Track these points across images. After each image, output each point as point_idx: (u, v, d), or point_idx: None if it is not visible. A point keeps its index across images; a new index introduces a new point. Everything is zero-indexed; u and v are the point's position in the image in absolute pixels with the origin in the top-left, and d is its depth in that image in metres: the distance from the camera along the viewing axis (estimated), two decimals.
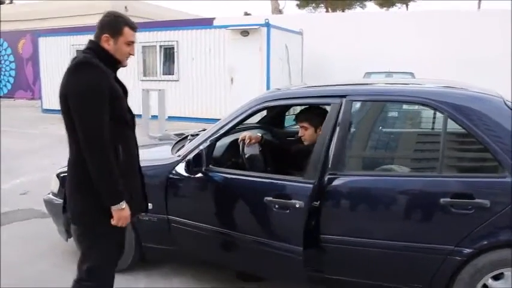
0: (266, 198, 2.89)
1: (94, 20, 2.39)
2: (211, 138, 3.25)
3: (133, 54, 2.47)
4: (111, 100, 2.23)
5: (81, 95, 2.18)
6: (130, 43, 2.41)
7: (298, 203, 2.75)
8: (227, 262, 3.36)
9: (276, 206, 2.86)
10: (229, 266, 3.39)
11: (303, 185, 2.81)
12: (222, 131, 3.28)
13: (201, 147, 3.20)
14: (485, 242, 2.52)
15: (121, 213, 2.28)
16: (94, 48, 2.36)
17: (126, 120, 2.40)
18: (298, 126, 3.69)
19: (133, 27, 2.41)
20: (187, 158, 3.17)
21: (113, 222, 2.29)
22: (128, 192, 2.35)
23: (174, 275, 3.64)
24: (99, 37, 2.36)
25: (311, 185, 2.77)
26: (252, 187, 3.09)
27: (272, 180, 3.05)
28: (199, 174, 3.17)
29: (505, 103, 2.70)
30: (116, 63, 2.41)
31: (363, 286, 2.91)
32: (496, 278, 2.58)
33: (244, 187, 3.12)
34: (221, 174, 3.19)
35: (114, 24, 2.36)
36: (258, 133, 3.70)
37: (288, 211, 2.81)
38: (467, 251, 2.55)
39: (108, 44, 2.35)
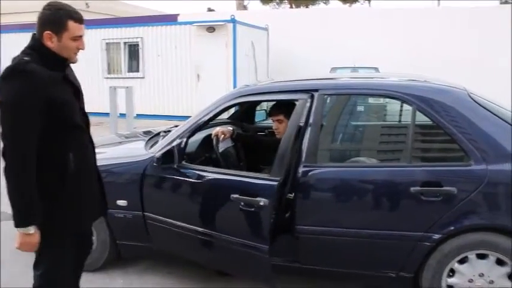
0: (233, 195, 2.87)
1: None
2: (182, 135, 3.26)
3: (82, 49, 2.21)
4: (51, 108, 2.05)
5: (8, 106, 1.99)
6: (77, 37, 2.15)
7: (262, 201, 2.71)
8: (198, 260, 3.32)
9: (242, 204, 2.82)
10: (200, 263, 3.36)
11: (268, 183, 2.79)
12: (193, 128, 3.29)
13: (174, 143, 3.21)
14: (452, 228, 2.65)
15: (26, 238, 2.05)
16: (36, 47, 2.13)
17: (77, 124, 2.23)
18: (272, 120, 3.68)
19: (79, 19, 2.15)
20: (156, 154, 3.17)
21: (15, 246, 2.09)
22: (75, 202, 2.21)
23: (151, 272, 3.63)
24: (41, 34, 2.11)
25: (276, 183, 2.75)
26: (220, 184, 3.06)
27: (239, 177, 3.03)
28: (171, 171, 3.18)
29: (469, 95, 2.83)
30: (62, 62, 2.19)
31: (337, 275, 3.00)
32: (462, 261, 2.71)
33: (213, 184, 3.09)
34: (192, 171, 3.17)
35: (56, 18, 2.10)
36: (229, 127, 3.72)
37: (253, 209, 2.78)
38: (436, 236, 2.67)
39: (51, 41, 2.10)
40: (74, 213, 2.22)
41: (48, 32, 2.10)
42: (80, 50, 2.22)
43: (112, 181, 3.34)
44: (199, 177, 3.13)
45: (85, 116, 2.31)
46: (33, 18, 2.22)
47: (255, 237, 2.81)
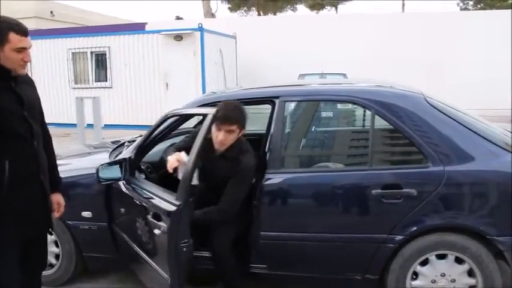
0: (148, 216, 2.74)
1: None
2: (135, 147, 3.26)
3: (27, 61, 2.24)
4: None
5: None
6: (21, 49, 2.17)
7: (162, 226, 2.55)
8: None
9: (153, 226, 2.65)
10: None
11: (169, 206, 2.56)
12: (147, 139, 3.30)
13: (125, 156, 3.21)
14: (415, 228, 2.72)
15: None
16: None
17: (16, 133, 2.21)
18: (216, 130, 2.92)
19: (21, 31, 2.17)
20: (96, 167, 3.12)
21: None
22: (11, 210, 2.19)
23: (120, 283, 3.59)
24: None
25: (175, 207, 2.51)
26: (141, 204, 2.90)
27: (154, 197, 2.80)
28: (120, 184, 3.16)
29: (425, 99, 2.91)
30: (7, 73, 2.19)
31: (304, 279, 3.03)
32: (423, 263, 2.78)
33: (138, 203, 2.96)
34: (126, 187, 3.12)
35: None
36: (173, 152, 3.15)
37: (159, 231, 2.58)
38: (398, 237, 2.74)
39: None
40: (8, 223, 2.20)
41: None
42: (27, 62, 2.25)
43: (76, 192, 3.30)
44: (132, 193, 3.05)
45: (28, 125, 2.26)
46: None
47: (162, 263, 2.64)
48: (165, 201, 2.62)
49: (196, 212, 2.85)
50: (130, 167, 3.16)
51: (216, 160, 3.02)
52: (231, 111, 2.85)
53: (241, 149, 2.98)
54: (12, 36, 2.14)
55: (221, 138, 2.87)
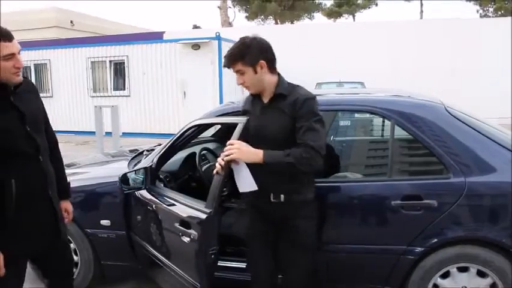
0: (175, 224, 2.74)
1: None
2: (157, 156, 3.28)
3: (19, 67, 2.11)
4: None
5: None
6: (9, 56, 2.06)
7: (193, 234, 2.55)
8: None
9: (180, 234, 2.67)
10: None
11: (199, 214, 2.57)
12: (170, 148, 3.32)
13: (146, 164, 3.23)
14: (435, 240, 2.67)
15: None
16: None
17: (19, 151, 2.16)
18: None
19: (7, 37, 2.05)
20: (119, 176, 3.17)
21: None
22: (19, 229, 2.17)
23: None
24: None
25: (206, 215, 2.51)
26: (167, 212, 2.91)
27: (181, 205, 2.82)
28: (142, 192, 3.19)
29: (446, 109, 2.87)
30: (2, 87, 2.11)
31: None
32: (444, 276, 2.73)
33: (163, 211, 2.97)
34: (150, 195, 3.14)
35: None
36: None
37: (188, 239, 2.60)
38: (418, 249, 2.69)
39: None
40: (13, 240, 2.17)
41: None
42: (20, 68, 2.13)
43: (95, 201, 3.33)
44: (155, 202, 3.06)
45: (32, 141, 2.21)
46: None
47: (190, 270, 2.67)
48: (194, 209, 2.64)
49: (271, 153, 2.28)
50: (152, 175, 3.17)
51: (262, 118, 2.48)
52: (232, 49, 2.40)
53: (284, 86, 2.43)
54: None
55: (237, 81, 2.46)
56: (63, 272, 2.60)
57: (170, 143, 3.30)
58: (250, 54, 2.34)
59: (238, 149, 2.28)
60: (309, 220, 2.47)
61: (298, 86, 2.45)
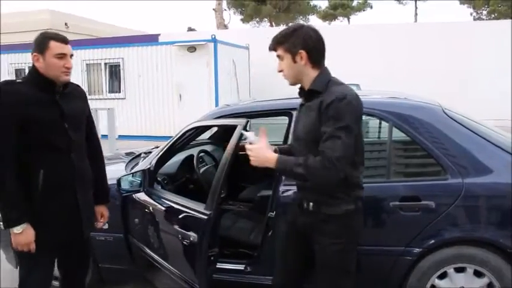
0: (174, 226, 2.76)
1: (33, 37, 2.38)
2: (155, 158, 3.28)
3: (69, 67, 2.36)
4: (26, 126, 2.24)
5: None
6: (61, 55, 2.33)
7: (192, 236, 2.56)
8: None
9: (180, 236, 2.67)
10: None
11: (199, 216, 2.60)
12: (168, 150, 3.33)
13: (144, 167, 3.23)
14: (433, 241, 2.69)
15: (16, 238, 2.27)
16: (31, 70, 2.37)
17: (54, 144, 2.34)
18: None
19: (60, 39, 2.35)
20: (117, 178, 3.18)
21: (13, 245, 2.31)
22: (43, 219, 2.34)
23: None
24: (32, 58, 2.35)
25: (206, 217, 2.54)
26: (166, 214, 2.93)
27: (180, 207, 2.81)
28: (140, 195, 3.20)
29: (444, 111, 2.90)
30: (50, 83, 2.35)
31: None
32: (441, 277, 2.75)
33: (162, 213, 2.97)
34: (149, 198, 3.15)
35: (40, 40, 2.34)
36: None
37: (188, 241, 2.60)
38: (416, 250, 2.72)
39: (38, 62, 2.33)
40: (40, 228, 2.32)
41: (35, 53, 2.33)
42: (69, 68, 2.37)
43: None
44: (153, 204, 3.08)
45: (67, 138, 2.37)
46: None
47: (189, 272, 2.67)
48: (194, 211, 2.63)
49: (284, 160, 2.14)
50: (150, 178, 3.18)
51: (298, 116, 2.39)
52: (279, 32, 2.26)
53: (321, 82, 2.20)
54: (53, 44, 2.31)
55: (277, 68, 2.29)
56: (78, 267, 2.70)
57: (168, 145, 3.31)
58: (292, 41, 2.18)
59: (255, 155, 2.16)
60: (338, 238, 2.18)
61: (340, 84, 2.20)
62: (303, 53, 2.16)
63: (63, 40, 2.36)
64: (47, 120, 2.30)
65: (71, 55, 2.39)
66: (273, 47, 2.26)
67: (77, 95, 2.54)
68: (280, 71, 2.27)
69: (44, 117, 2.29)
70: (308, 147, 2.15)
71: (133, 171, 3.31)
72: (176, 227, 2.72)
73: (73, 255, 2.61)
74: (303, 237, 2.32)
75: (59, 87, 2.38)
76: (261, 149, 2.18)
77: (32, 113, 2.25)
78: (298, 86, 2.30)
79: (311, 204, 2.24)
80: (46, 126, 2.30)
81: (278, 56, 2.25)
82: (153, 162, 3.24)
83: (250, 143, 2.21)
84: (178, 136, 3.29)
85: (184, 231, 2.62)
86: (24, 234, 2.26)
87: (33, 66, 2.35)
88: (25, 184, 2.28)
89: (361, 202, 2.24)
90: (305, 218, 2.29)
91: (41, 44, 2.32)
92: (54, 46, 2.31)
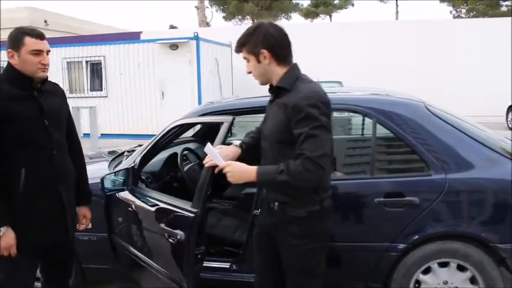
0: (160, 225, 2.73)
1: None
2: (139, 156, 3.24)
3: (45, 63, 2.29)
4: (4, 122, 2.17)
5: None
6: (37, 52, 2.25)
7: (179, 234, 2.52)
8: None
9: (166, 235, 2.64)
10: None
11: (186, 214, 2.55)
12: (152, 148, 3.28)
13: (127, 165, 3.19)
14: (417, 236, 2.72)
15: None
16: (7, 67, 2.30)
17: (35, 142, 2.28)
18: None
19: (36, 35, 2.26)
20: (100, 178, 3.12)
21: None
22: (25, 220, 2.26)
23: None
24: (7, 55, 2.27)
25: (193, 215, 2.50)
26: (151, 213, 2.88)
27: (167, 206, 2.78)
28: (123, 194, 3.15)
29: (426, 107, 2.92)
30: (27, 79, 2.27)
31: None
32: (426, 272, 2.78)
33: (147, 212, 2.92)
34: (133, 196, 3.10)
35: (15, 36, 2.25)
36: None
37: (173, 240, 2.57)
38: (401, 246, 2.74)
39: (13, 59, 2.25)
40: (22, 230, 2.24)
41: (10, 50, 2.25)
42: (46, 65, 2.30)
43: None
44: (138, 203, 3.04)
45: (47, 134, 2.31)
46: None
47: (176, 270, 2.63)
48: (180, 209, 2.61)
49: (265, 171, 2.08)
50: (134, 176, 3.15)
51: (266, 115, 2.33)
52: (241, 34, 2.21)
53: (289, 79, 2.14)
54: (28, 40, 2.23)
55: (246, 69, 2.25)
56: (62, 271, 2.62)
57: (153, 143, 3.27)
58: (253, 41, 2.12)
59: (230, 173, 2.10)
60: (302, 239, 2.13)
61: (308, 81, 2.13)
62: (265, 52, 2.11)
63: (39, 36, 2.28)
64: (26, 116, 2.24)
65: (48, 51, 2.31)
66: (238, 49, 2.21)
67: (55, 93, 2.47)
68: (249, 73, 2.23)
69: (22, 113, 2.23)
70: (272, 148, 2.14)
71: (116, 169, 3.26)
72: (162, 225, 2.69)
73: (56, 258, 2.53)
74: (272, 237, 2.28)
75: (36, 84, 2.31)
76: (234, 164, 2.13)
77: (10, 110, 2.19)
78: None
79: (276, 204, 2.20)
80: (25, 122, 2.24)
81: (244, 58, 2.20)
82: (137, 160, 3.20)
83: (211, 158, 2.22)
84: (162, 134, 3.25)
85: (170, 229, 2.60)
86: (4, 238, 2.17)
87: (9, 62, 2.28)
88: (5, 184, 2.21)
89: (329, 202, 2.20)
90: (271, 218, 2.25)
91: (16, 39, 2.24)
92: (30, 42, 2.24)
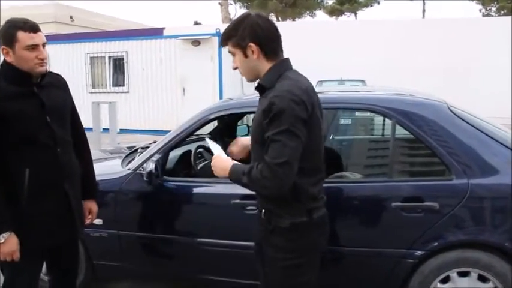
0: (233, 201, 2.81)
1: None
2: (163, 149, 3.19)
3: (42, 58, 2.17)
4: (4, 121, 2.08)
5: None
6: (32, 47, 2.13)
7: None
8: (188, 270, 3.21)
9: (247, 208, 2.74)
10: (189, 274, 3.24)
11: None
12: (173, 142, 3.23)
13: (154, 158, 3.13)
14: (436, 244, 2.60)
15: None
16: (3, 64, 2.19)
17: (36, 140, 2.19)
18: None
19: (29, 28, 2.12)
20: (147, 170, 3.04)
21: None
22: (31, 222, 2.19)
23: None
24: (2, 52, 2.16)
25: None
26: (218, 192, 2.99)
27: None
28: (154, 186, 3.09)
29: (449, 108, 2.79)
30: (24, 76, 2.17)
31: None
32: (444, 281, 2.65)
33: (208, 193, 3.04)
34: (178, 183, 3.15)
35: (6, 32, 2.13)
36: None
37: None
38: (419, 253, 2.62)
39: (8, 56, 2.14)
40: (27, 231, 2.18)
41: (3, 47, 2.14)
42: (43, 59, 2.18)
43: None
44: (189, 188, 3.09)
45: (50, 132, 2.22)
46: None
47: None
48: None
49: (235, 169, 1.97)
50: (161, 168, 3.11)
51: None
52: (227, 27, 2.05)
53: (270, 77, 1.97)
54: (21, 35, 2.11)
55: (232, 64, 2.09)
56: (69, 271, 2.57)
57: (183, 134, 3.22)
58: (239, 34, 1.94)
59: (214, 167, 2.06)
60: (284, 253, 1.96)
61: (290, 78, 1.95)
62: (253, 45, 1.93)
63: (33, 28, 2.14)
64: (26, 114, 2.14)
65: (44, 44, 2.18)
66: (223, 42, 2.03)
67: (57, 85, 2.36)
68: (236, 68, 2.06)
69: (22, 111, 2.13)
70: (253, 148, 2.03)
71: (143, 162, 3.20)
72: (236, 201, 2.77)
73: (63, 256, 2.48)
74: (257, 247, 2.19)
75: (35, 79, 2.21)
76: (218, 158, 2.07)
77: (9, 108, 2.09)
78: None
79: (263, 211, 2.05)
80: (26, 120, 2.14)
81: (229, 52, 2.02)
82: (164, 152, 3.18)
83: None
84: (197, 126, 3.21)
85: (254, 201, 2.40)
86: (6, 244, 2.10)
87: (5, 60, 2.17)
88: (9, 186, 2.13)
89: (320, 213, 2.01)
90: (260, 226, 2.11)
91: (8, 36, 2.12)
92: (23, 37, 2.11)
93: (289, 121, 1.79)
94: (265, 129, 1.84)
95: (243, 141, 2.41)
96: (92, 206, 2.60)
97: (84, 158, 2.52)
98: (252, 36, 1.92)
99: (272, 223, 1.98)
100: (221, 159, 2.06)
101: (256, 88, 2.05)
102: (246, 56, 1.97)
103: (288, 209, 1.94)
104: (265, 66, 1.98)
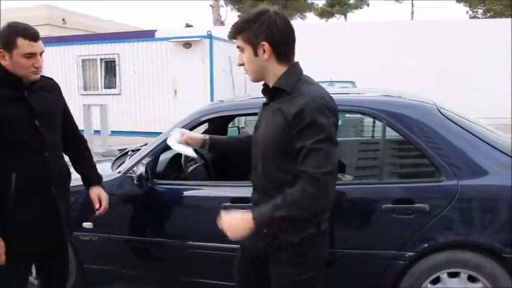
0: (223, 204, 2.81)
1: None
2: (153, 152, 3.18)
3: (38, 67, 2.16)
4: None
5: None
6: (30, 55, 2.11)
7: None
8: (179, 273, 3.22)
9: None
10: (180, 278, 3.24)
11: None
12: (163, 145, 3.21)
13: (144, 161, 3.12)
14: (426, 245, 2.60)
15: None
16: None
17: (24, 144, 2.17)
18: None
19: (30, 36, 2.10)
20: (137, 173, 3.03)
21: None
22: (17, 226, 2.17)
23: None
24: None
25: None
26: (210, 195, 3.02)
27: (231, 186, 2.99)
28: (145, 189, 3.08)
29: (439, 110, 2.80)
30: (16, 80, 2.15)
31: None
32: (434, 282, 2.66)
33: (199, 196, 3.05)
34: (168, 187, 3.15)
35: (7, 36, 2.10)
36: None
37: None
38: (409, 254, 2.62)
39: (4, 59, 2.12)
40: (14, 235, 2.16)
41: (1, 50, 2.11)
42: (39, 68, 2.18)
43: (78, 202, 3.23)
44: (178, 191, 3.09)
45: (39, 136, 2.20)
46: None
47: None
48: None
49: (260, 213, 1.75)
50: (151, 171, 3.09)
51: (259, 120, 2.01)
52: (239, 18, 1.93)
53: (289, 80, 1.85)
54: (21, 42, 2.09)
55: (238, 60, 1.96)
56: (59, 275, 2.56)
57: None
58: (253, 29, 1.80)
59: (228, 230, 1.79)
60: (295, 269, 1.86)
61: (311, 83, 1.87)
62: (266, 45, 1.80)
63: (33, 37, 2.12)
64: (14, 118, 2.12)
65: (41, 52, 2.17)
66: (232, 35, 1.87)
67: (48, 88, 2.34)
68: (241, 65, 1.93)
69: (10, 114, 2.11)
70: (264, 159, 1.86)
71: (133, 165, 3.18)
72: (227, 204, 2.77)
73: (53, 262, 2.46)
74: (256, 263, 2.03)
75: (26, 83, 2.19)
76: (226, 219, 1.80)
77: None
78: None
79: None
80: (14, 124, 2.12)
81: (238, 47, 1.89)
82: (155, 155, 3.18)
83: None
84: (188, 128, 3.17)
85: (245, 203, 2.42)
86: None
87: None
88: None
89: (325, 224, 1.92)
90: (257, 240, 1.93)
91: (8, 40, 2.09)
92: (23, 45, 2.09)
93: (328, 129, 1.71)
94: (296, 138, 1.72)
95: (182, 131, 2.26)
96: (99, 192, 2.56)
97: (81, 151, 2.55)
98: (266, 34, 1.80)
99: (279, 238, 1.86)
100: (231, 218, 1.80)
101: (265, 91, 1.95)
102: (256, 54, 1.84)
103: (302, 223, 1.80)
104: (275, 68, 1.86)
